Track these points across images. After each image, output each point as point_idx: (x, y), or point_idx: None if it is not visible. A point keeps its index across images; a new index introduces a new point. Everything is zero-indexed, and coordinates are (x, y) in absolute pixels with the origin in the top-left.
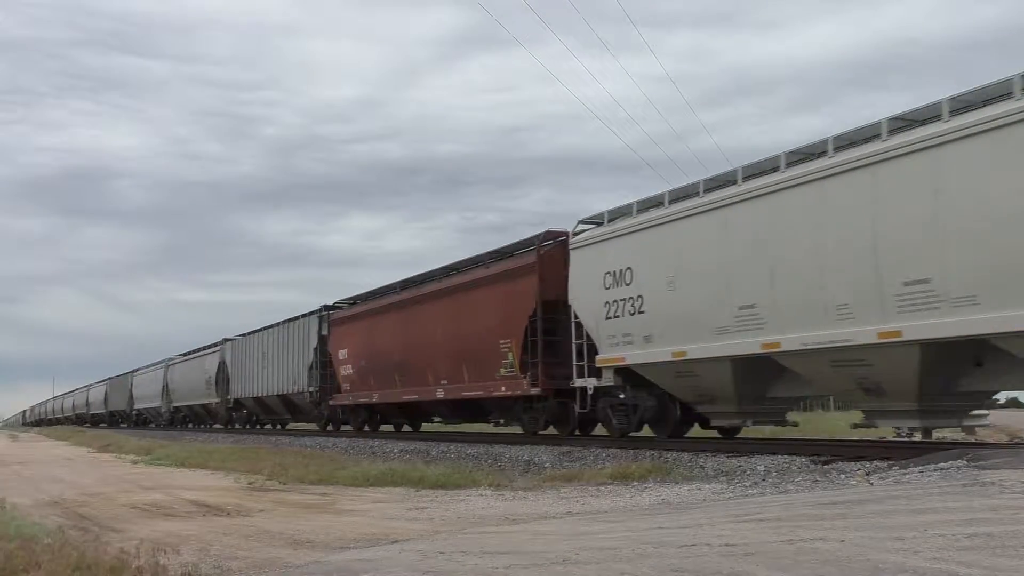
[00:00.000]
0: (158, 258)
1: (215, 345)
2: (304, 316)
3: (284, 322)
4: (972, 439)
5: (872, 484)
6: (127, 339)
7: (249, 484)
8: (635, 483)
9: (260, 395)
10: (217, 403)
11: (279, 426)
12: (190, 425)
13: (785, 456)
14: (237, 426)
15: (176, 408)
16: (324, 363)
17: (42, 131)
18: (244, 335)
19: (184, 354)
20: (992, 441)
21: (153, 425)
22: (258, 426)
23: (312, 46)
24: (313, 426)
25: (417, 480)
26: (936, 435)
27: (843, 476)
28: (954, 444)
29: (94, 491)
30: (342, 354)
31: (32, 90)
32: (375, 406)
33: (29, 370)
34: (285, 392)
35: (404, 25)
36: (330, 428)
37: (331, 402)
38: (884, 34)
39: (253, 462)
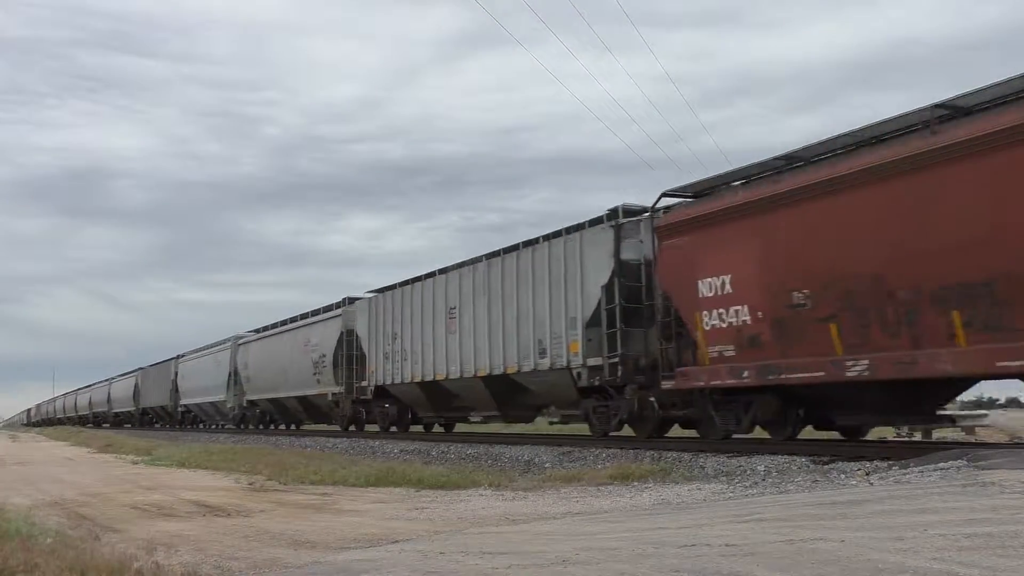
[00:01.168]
0: (158, 258)
1: (329, 309)
2: (570, 231)
3: (507, 251)
4: (972, 439)
5: (872, 484)
6: (127, 339)
7: (249, 484)
8: (635, 483)
9: (438, 378)
10: (336, 395)
11: (439, 426)
12: (279, 427)
13: (785, 456)
14: (369, 427)
15: (251, 403)
16: (625, 312)
17: (42, 131)
18: (391, 287)
19: (263, 328)
20: (992, 441)
21: (202, 426)
22: (411, 427)
23: (312, 46)
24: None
25: (417, 480)
26: (936, 435)
27: (843, 476)
28: (954, 444)
29: (94, 491)
30: (711, 287)
31: (32, 90)
32: (847, 385)
33: (29, 370)
34: (510, 370)
35: (404, 25)
36: (617, 432)
37: (667, 383)
38: (884, 34)
39: (253, 462)
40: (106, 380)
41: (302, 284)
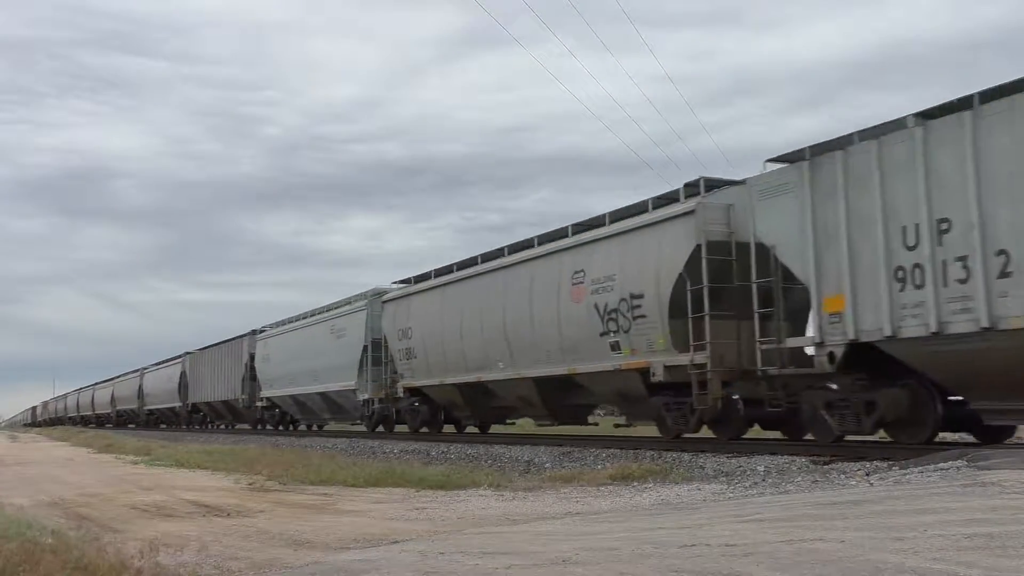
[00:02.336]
0: (158, 258)
1: (627, 215)
2: None
3: None
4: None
5: (872, 484)
6: (127, 339)
7: (249, 485)
8: (635, 483)
9: None
10: (680, 368)
11: None
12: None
13: (785, 456)
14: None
15: (415, 392)
16: None
17: (42, 131)
18: (902, 122)
19: (437, 273)
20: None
21: (303, 428)
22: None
23: (312, 46)
24: None
25: (417, 480)
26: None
27: (843, 476)
28: (954, 444)
29: (94, 492)
30: None
31: (32, 90)
32: None
33: (29, 370)
34: None
35: (404, 25)
36: None
37: None
38: (884, 34)
39: (253, 463)
40: (135, 371)
41: (302, 284)
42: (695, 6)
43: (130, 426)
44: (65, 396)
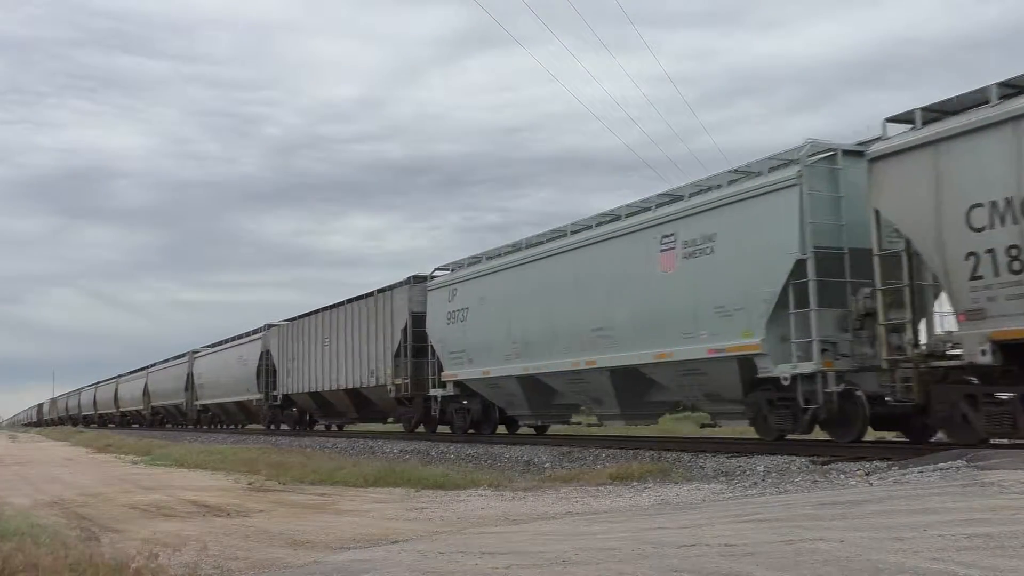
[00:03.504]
0: (158, 258)
1: None
2: None
3: None
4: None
5: (872, 484)
6: (127, 339)
7: (249, 484)
8: (635, 483)
9: None
10: None
11: None
12: None
13: (785, 456)
14: None
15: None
16: None
17: (42, 131)
18: None
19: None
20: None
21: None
22: None
23: (313, 45)
24: None
25: (416, 480)
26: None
27: (843, 476)
28: (954, 444)
29: (94, 491)
30: None
31: (32, 90)
32: None
33: (29, 370)
34: None
35: (404, 25)
36: None
37: None
38: (885, 34)
39: (252, 463)
40: (180, 356)
41: (302, 284)
42: (695, 6)
43: (167, 426)
44: (79, 392)
